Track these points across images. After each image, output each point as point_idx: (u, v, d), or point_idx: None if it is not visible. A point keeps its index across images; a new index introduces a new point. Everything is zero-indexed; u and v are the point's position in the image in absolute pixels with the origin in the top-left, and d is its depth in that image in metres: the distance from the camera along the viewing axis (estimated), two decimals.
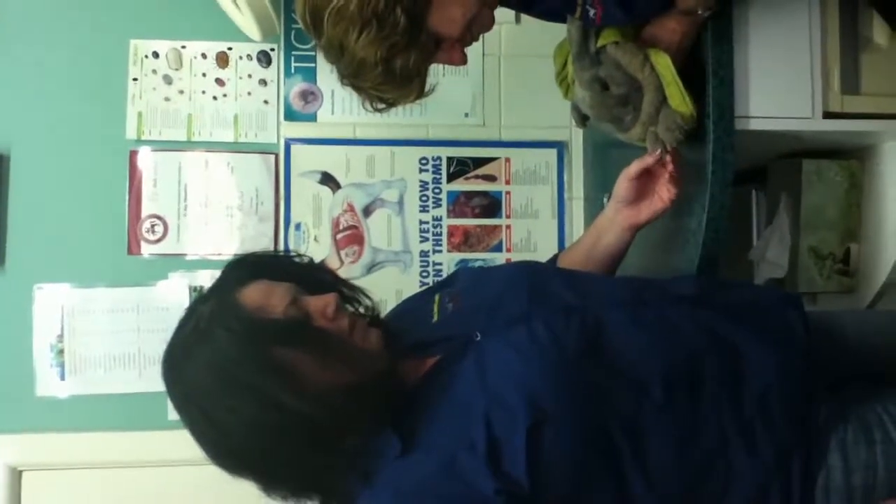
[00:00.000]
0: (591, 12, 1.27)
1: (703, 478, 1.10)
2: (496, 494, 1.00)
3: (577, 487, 1.05)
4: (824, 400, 1.17)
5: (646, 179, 1.35)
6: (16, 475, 1.94)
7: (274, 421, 1.01)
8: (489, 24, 1.23)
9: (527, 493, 1.01)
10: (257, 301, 1.06)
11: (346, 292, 1.21)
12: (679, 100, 1.33)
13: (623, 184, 1.35)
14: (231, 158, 2.04)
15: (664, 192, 1.33)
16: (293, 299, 1.07)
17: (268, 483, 1.08)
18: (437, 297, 1.27)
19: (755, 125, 1.44)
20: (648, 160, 1.33)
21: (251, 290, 1.08)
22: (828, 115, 1.49)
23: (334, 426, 1.04)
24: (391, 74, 1.15)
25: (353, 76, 1.18)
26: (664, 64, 1.33)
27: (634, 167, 1.33)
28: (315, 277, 1.19)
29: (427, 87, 1.22)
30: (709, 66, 1.38)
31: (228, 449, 1.06)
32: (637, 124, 1.38)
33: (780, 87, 1.46)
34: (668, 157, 1.32)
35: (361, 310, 1.22)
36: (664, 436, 1.08)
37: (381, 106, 1.23)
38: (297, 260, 1.24)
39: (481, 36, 1.26)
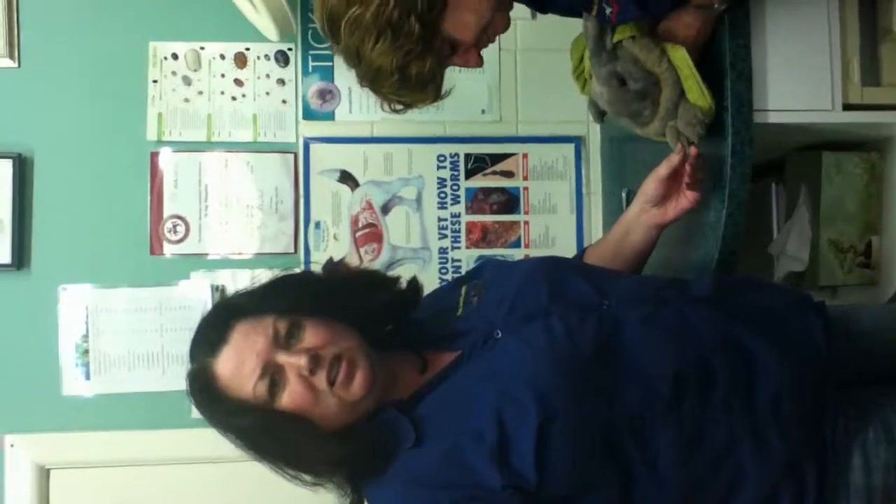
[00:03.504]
0: (608, 10, 1.27)
1: (709, 478, 1.10)
2: (503, 489, 1.02)
3: (583, 483, 1.06)
4: (842, 401, 1.16)
5: (672, 178, 1.35)
6: (44, 474, 1.97)
7: (264, 459, 1.13)
8: (504, 27, 1.24)
9: (533, 488, 1.02)
10: (228, 373, 1.10)
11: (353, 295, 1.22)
12: (697, 94, 1.33)
13: (651, 184, 1.35)
14: (250, 158, 2.06)
15: (689, 192, 1.34)
16: (264, 368, 1.09)
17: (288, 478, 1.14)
18: (463, 290, 1.29)
19: (774, 118, 1.43)
20: (675, 159, 1.33)
21: (225, 357, 1.11)
22: (847, 107, 1.48)
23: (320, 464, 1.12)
24: (407, 81, 1.17)
25: (370, 82, 1.20)
26: (681, 58, 1.33)
27: (664, 168, 1.33)
28: (307, 297, 1.17)
29: (444, 91, 1.23)
30: (726, 60, 1.37)
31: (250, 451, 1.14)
32: (655, 119, 1.38)
33: (798, 80, 1.45)
34: (691, 151, 1.32)
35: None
36: (672, 435, 1.08)
37: (398, 108, 1.25)
38: (291, 281, 1.24)
39: None
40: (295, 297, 1.16)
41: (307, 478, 1.13)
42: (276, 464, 1.12)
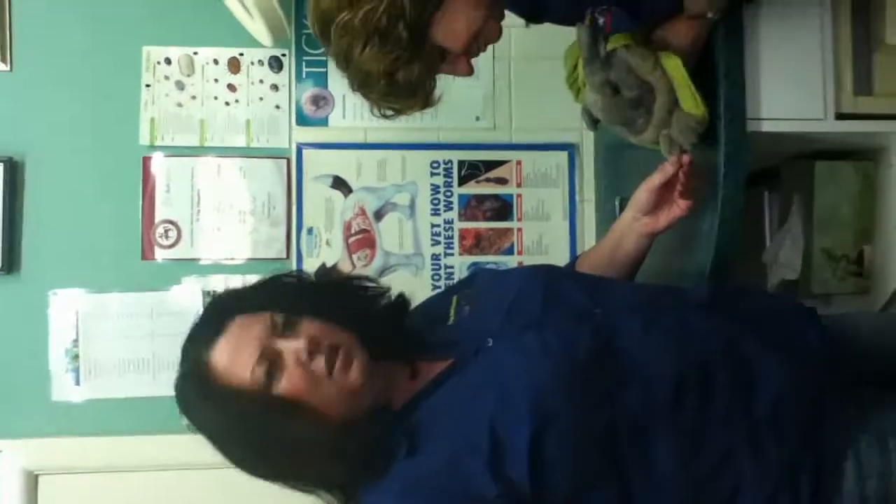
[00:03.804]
0: (601, 20, 1.28)
1: (708, 484, 1.10)
2: (498, 497, 1.01)
3: (579, 489, 1.05)
4: (838, 407, 1.16)
5: (665, 187, 1.34)
6: (32, 479, 1.96)
7: (262, 460, 1.11)
8: (496, 36, 1.24)
9: (528, 495, 1.02)
10: (225, 362, 1.09)
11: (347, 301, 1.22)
12: (691, 102, 1.33)
13: (644, 194, 1.34)
14: (243, 163, 2.05)
15: (682, 201, 1.33)
16: (262, 353, 1.08)
17: (282, 485, 1.13)
18: (454, 299, 1.28)
19: (767, 127, 1.43)
20: (669, 169, 1.32)
21: (221, 346, 1.10)
22: (840, 116, 1.48)
23: (320, 461, 1.10)
24: (395, 86, 1.17)
25: (359, 86, 1.21)
26: (675, 66, 1.32)
27: (658, 178, 1.32)
28: (302, 298, 1.17)
29: (433, 98, 1.23)
30: (720, 69, 1.38)
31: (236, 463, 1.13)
32: (649, 127, 1.37)
33: (792, 89, 1.45)
34: (685, 160, 1.32)
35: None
36: (671, 441, 1.08)
37: (388, 113, 1.25)
38: (285, 280, 1.24)
39: None
40: (290, 297, 1.17)
41: (301, 481, 1.12)
42: (271, 460, 1.10)
